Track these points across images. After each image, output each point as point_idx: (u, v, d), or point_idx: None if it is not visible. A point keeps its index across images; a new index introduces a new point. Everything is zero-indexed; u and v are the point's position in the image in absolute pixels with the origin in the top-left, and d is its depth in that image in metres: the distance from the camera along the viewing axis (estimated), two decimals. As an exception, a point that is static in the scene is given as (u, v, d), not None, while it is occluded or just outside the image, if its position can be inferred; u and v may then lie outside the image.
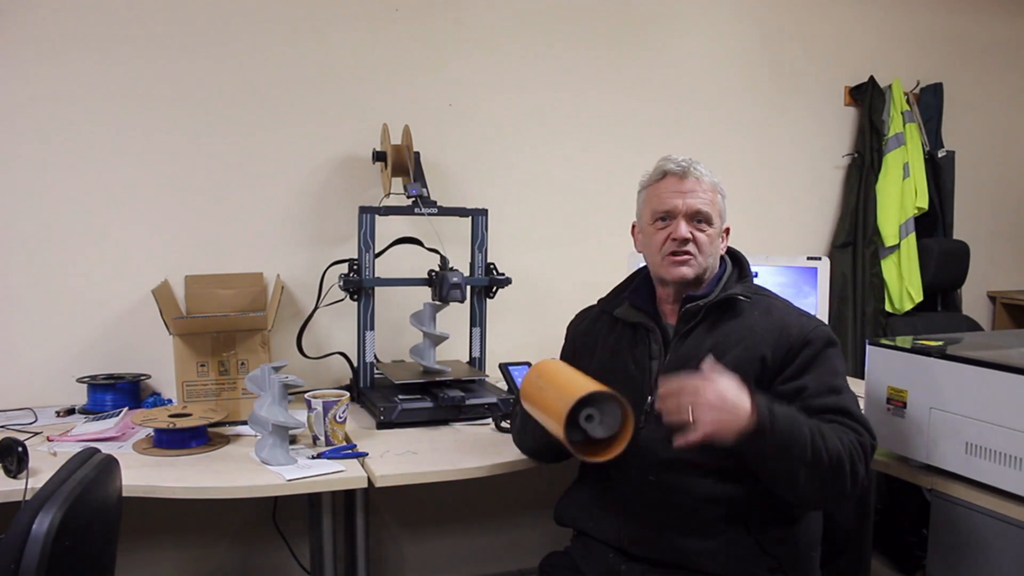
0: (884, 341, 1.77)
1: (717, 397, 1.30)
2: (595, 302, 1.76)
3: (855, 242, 3.03)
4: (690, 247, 1.54)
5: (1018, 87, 3.37)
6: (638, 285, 1.67)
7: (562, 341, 1.78)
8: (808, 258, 2.48)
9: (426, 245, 2.26)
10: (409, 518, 2.52)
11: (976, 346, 1.78)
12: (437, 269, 2.15)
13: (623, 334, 1.62)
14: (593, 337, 1.68)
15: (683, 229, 1.53)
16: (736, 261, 1.65)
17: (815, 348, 1.48)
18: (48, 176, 2.16)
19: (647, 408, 1.52)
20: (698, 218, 1.55)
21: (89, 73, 2.17)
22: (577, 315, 1.79)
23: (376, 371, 2.20)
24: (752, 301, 1.56)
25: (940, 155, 3.09)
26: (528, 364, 2.32)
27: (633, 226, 1.68)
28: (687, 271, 1.54)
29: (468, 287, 2.15)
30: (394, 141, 2.26)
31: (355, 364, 2.24)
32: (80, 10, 2.15)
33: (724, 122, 2.87)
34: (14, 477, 1.58)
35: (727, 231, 1.62)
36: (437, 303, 2.14)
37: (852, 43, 3.05)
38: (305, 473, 1.66)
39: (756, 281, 1.66)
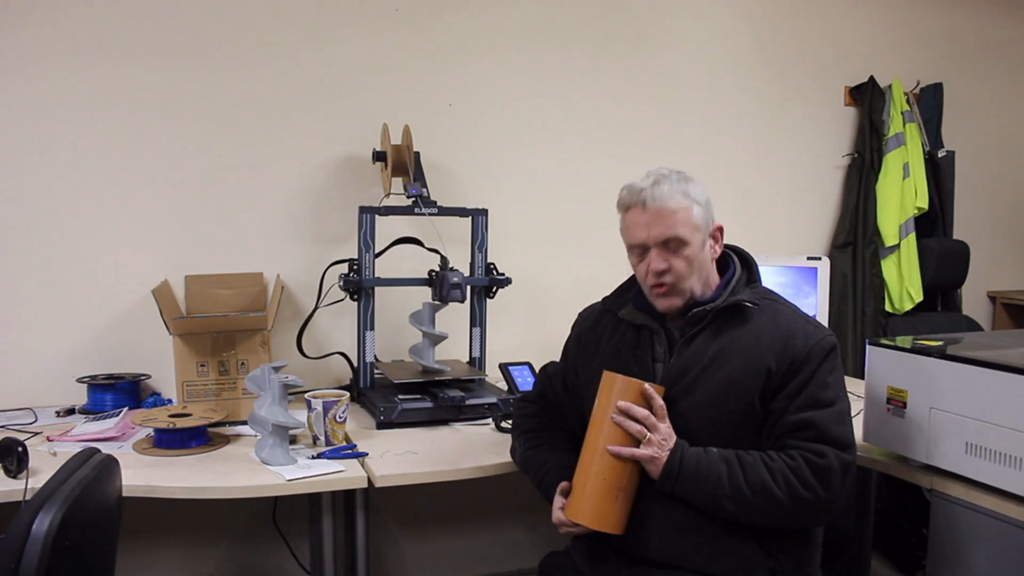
0: (884, 341, 1.76)
1: (666, 436, 1.44)
2: (600, 299, 1.75)
3: (855, 242, 3.03)
4: (667, 277, 1.51)
5: (1018, 87, 3.37)
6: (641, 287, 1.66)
7: (562, 341, 1.77)
8: (808, 258, 2.48)
9: (426, 245, 2.26)
10: (409, 518, 2.52)
11: (976, 346, 1.78)
12: (437, 269, 2.15)
13: (627, 335, 1.61)
14: (597, 336, 1.67)
15: (656, 262, 1.50)
16: (745, 263, 1.62)
17: (813, 365, 1.46)
18: (49, 176, 2.16)
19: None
20: (670, 246, 1.50)
21: (89, 74, 2.17)
22: (582, 311, 1.78)
23: (376, 371, 2.20)
24: (760, 307, 1.53)
25: (940, 155, 3.09)
26: (528, 364, 2.32)
27: None
28: (674, 301, 1.53)
29: (468, 287, 2.15)
30: (394, 141, 2.25)
31: (355, 364, 2.24)
32: (81, 12, 2.15)
33: (724, 122, 2.86)
34: (14, 477, 1.58)
35: (720, 230, 1.57)
36: (437, 303, 2.14)
37: (852, 43, 3.05)
38: (305, 473, 1.66)
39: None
